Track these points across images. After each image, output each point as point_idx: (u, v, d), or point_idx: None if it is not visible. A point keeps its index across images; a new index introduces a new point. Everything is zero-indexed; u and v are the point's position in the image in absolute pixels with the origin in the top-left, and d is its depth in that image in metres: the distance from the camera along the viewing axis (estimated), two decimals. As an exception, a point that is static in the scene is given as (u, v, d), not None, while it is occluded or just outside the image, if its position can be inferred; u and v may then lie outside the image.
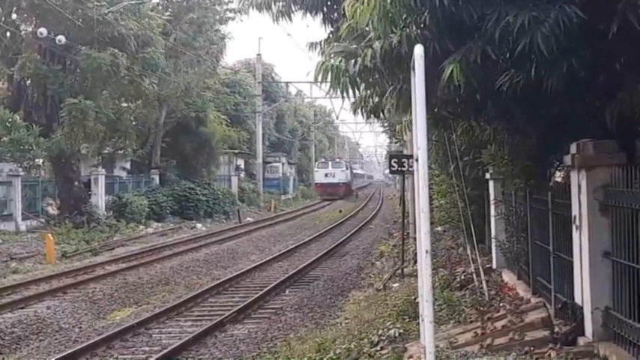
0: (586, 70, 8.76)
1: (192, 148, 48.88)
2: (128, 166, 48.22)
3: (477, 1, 8.46)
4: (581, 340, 9.27)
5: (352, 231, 37.79)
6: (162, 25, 39.47)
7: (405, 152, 26.49)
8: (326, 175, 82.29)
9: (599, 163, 9.03)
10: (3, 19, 34.36)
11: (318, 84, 10.84)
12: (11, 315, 16.94)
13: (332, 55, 10.22)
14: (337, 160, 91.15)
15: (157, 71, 37.68)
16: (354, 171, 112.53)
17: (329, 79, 10.01)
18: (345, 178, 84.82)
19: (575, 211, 9.49)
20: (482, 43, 8.53)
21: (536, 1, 8.17)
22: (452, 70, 8.47)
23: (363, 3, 8.77)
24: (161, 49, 37.87)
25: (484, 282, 14.65)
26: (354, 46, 10.15)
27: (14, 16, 35.62)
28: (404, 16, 9.02)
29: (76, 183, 36.94)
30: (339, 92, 10.39)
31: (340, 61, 9.96)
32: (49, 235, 27.88)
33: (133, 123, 40.13)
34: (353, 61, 9.82)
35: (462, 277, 15.75)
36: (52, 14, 32.70)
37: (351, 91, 10.30)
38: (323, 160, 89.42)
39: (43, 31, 31.49)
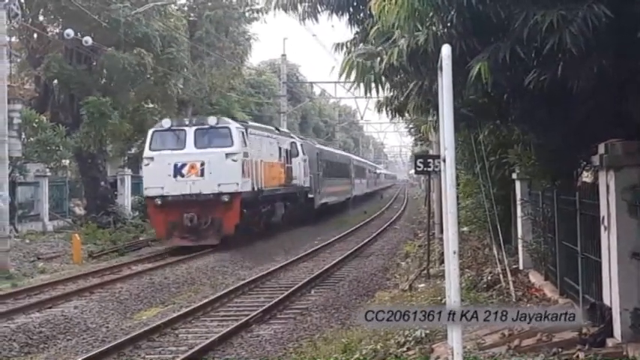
0: (614, 69, 8.69)
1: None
2: (154, 166, 48.08)
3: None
4: (609, 342, 9.21)
5: (377, 231, 37.70)
6: (186, 25, 39.63)
7: (431, 152, 26.42)
8: (177, 170, 28.80)
9: (628, 163, 8.98)
10: (30, 20, 34.65)
11: (343, 83, 10.86)
12: (39, 315, 17.04)
13: (355, 57, 10.22)
14: (216, 121, 29.79)
15: (182, 71, 37.83)
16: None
17: (353, 76, 10.00)
18: (248, 180, 29.97)
19: (603, 212, 9.42)
20: (510, 42, 8.49)
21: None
22: (479, 69, 8.43)
23: (391, 2, 8.76)
24: (186, 50, 38.02)
25: (511, 283, 14.57)
26: (379, 47, 10.13)
27: (41, 17, 35.93)
28: (430, 14, 9.01)
29: (103, 183, 37.21)
30: (362, 90, 10.40)
31: (365, 58, 9.95)
32: (76, 235, 28.05)
33: (158, 123, 40.18)
34: (379, 59, 9.82)
35: (489, 278, 15.64)
36: (78, 16, 32.95)
37: (374, 89, 10.30)
38: (163, 125, 29.97)
39: (69, 32, 31.75)
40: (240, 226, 29.33)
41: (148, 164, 29.53)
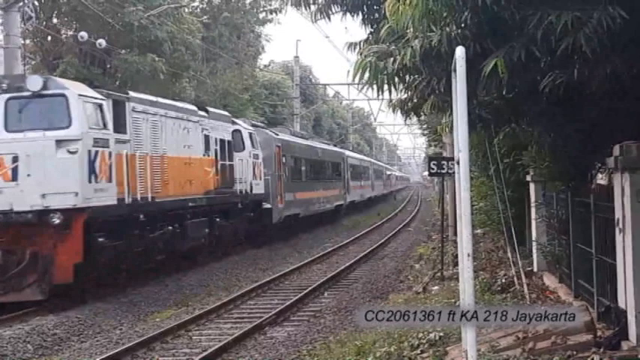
0: (629, 70, 8.65)
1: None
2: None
3: (519, 0, 8.41)
4: (624, 345, 9.17)
5: (390, 233, 37.71)
6: (200, 29, 39.72)
7: (445, 154, 26.38)
8: None
9: (643, 165, 8.93)
10: (44, 23, 34.79)
11: (356, 85, 10.81)
12: (53, 317, 17.05)
13: (368, 55, 10.19)
14: (41, 85, 16.82)
15: (190, 72, 37.84)
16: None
17: (366, 76, 9.97)
18: (107, 185, 17.82)
19: (618, 214, 9.38)
20: (524, 42, 8.47)
21: (579, 1, 8.09)
22: (495, 66, 8.38)
23: (405, 2, 8.74)
24: (200, 53, 38.11)
25: (525, 285, 14.54)
26: (393, 47, 10.10)
27: (55, 20, 36.09)
28: (445, 14, 8.99)
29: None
30: (375, 91, 10.36)
31: (378, 58, 9.92)
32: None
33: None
34: (392, 59, 9.78)
35: (503, 281, 15.62)
36: (92, 18, 33.06)
37: (387, 89, 10.27)
38: None
39: (84, 34, 31.81)
40: (89, 266, 17.52)
41: None
